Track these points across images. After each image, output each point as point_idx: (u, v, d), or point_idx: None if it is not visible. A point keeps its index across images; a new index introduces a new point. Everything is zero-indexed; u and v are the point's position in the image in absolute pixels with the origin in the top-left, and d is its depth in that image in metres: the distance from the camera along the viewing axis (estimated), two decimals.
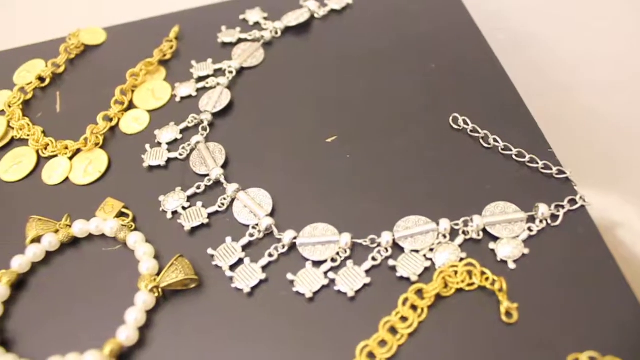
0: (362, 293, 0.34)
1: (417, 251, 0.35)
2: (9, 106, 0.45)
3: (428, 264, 0.34)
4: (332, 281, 0.34)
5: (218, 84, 0.43)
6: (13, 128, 0.44)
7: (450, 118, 0.40)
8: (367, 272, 0.34)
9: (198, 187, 0.38)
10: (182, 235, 0.37)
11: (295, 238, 0.35)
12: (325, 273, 0.34)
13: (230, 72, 0.43)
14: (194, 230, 0.37)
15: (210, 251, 0.36)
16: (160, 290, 0.34)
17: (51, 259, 0.38)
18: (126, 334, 0.33)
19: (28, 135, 0.43)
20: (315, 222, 0.36)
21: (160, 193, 0.39)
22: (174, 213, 0.38)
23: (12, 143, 0.44)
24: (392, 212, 0.37)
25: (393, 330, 0.32)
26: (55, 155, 0.42)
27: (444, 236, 0.35)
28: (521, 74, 0.46)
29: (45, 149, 0.42)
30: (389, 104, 0.41)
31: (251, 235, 0.36)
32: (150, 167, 0.40)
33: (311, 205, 0.37)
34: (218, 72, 0.44)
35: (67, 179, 0.41)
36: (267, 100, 0.42)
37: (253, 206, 0.37)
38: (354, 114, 0.41)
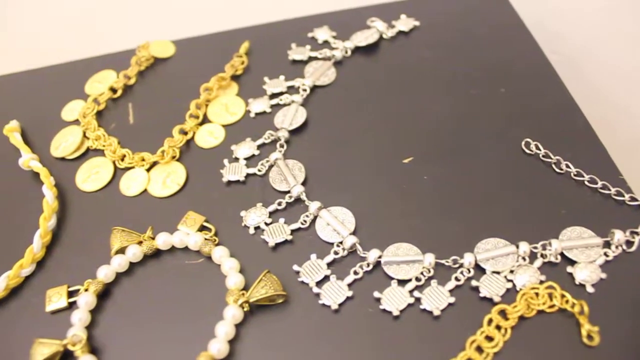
0: (446, 312, 0.35)
1: (497, 272, 0.36)
2: (84, 116, 0.46)
3: (509, 285, 0.35)
4: (418, 300, 0.35)
5: (293, 101, 0.44)
6: (88, 138, 0.45)
7: (523, 143, 0.41)
8: (450, 291, 0.35)
9: (279, 204, 0.39)
10: (263, 250, 0.38)
11: (380, 257, 0.36)
12: (411, 292, 0.35)
13: (304, 90, 0.44)
14: (276, 246, 0.38)
15: (295, 267, 0.37)
16: (248, 305, 0.35)
17: (134, 270, 0.39)
18: (217, 347, 0.34)
19: (104, 146, 0.44)
20: (395, 242, 0.37)
21: (239, 208, 0.40)
22: (257, 228, 0.39)
23: (87, 153, 0.45)
24: (470, 234, 0.38)
25: (479, 349, 0.34)
26: (132, 167, 0.43)
27: (524, 259, 0.36)
28: (582, 97, 0.47)
29: (122, 160, 0.43)
30: (460, 126, 0.43)
31: (336, 252, 0.37)
32: (229, 182, 0.41)
33: (391, 224, 0.38)
34: (291, 89, 0.46)
35: (145, 190, 0.42)
36: (340, 119, 0.44)
37: (336, 224, 0.38)
38: (427, 135, 0.42)
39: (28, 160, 0.44)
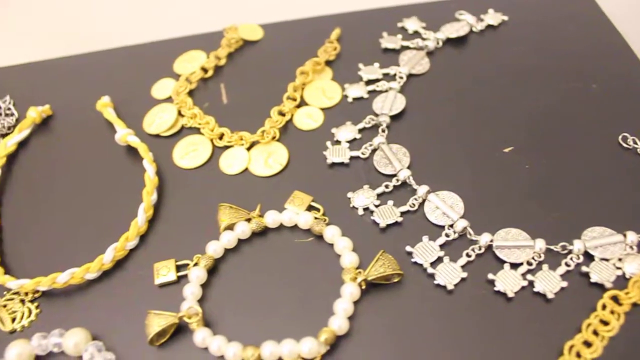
0: (557, 296, 0.36)
1: (606, 260, 0.37)
2: (177, 94, 0.46)
3: (619, 272, 0.36)
4: (530, 283, 0.36)
5: (390, 88, 0.44)
6: (183, 116, 0.45)
7: (620, 137, 0.42)
8: (561, 276, 0.36)
9: (386, 187, 0.40)
10: (372, 231, 0.39)
11: (491, 240, 0.37)
12: (523, 275, 0.36)
13: (401, 78, 0.45)
14: (385, 227, 0.38)
15: (408, 248, 0.37)
16: (365, 283, 0.36)
17: (240, 247, 0.39)
18: (338, 323, 0.34)
19: (199, 124, 0.44)
20: (500, 227, 0.38)
21: (343, 189, 0.41)
22: (365, 210, 0.39)
23: (182, 131, 0.46)
24: (573, 222, 0.39)
25: (595, 333, 0.34)
26: (231, 146, 0.43)
27: (631, 247, 0.37)
28: None
29: (220, 138, 0.43)
30: (554, 119, 0.44)
31: (447, 235, 0.37)
32: (332, 164, 0.42)
33: (495, 209, 0.39)
34: (385, 77, 0.46)
35: (246, 169, 0.42)
36: (437, 107, 0.44)
37: (445, 208, 0.38)
38: (523, 126, 0.43)
39: (126, 135, 0.44)
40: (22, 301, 0.39)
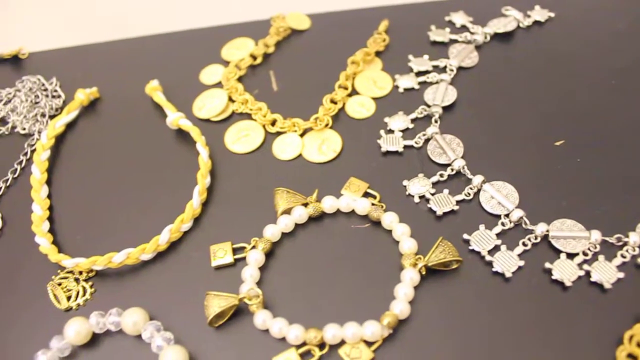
0: (615, 286, 0.36)
1: None
2: (227, 80, 0.46)
3: None
4: (587, 273, 0.36)
5: (441, 80, 0.45)
6: (233, 102, 0.45)
7: None
8: (617, 267, 0.36)
9: (441, 175, 0.40)
10: (427, 218, 0.39)
11: (547, 230, 0.37)
12: (579, 265, 0.36)
13: (452, 70, 0.45)
14: (442, 215, 0.38)
15: (465, 236, 0.37)
16: (425, 268, 0.36)
17: (297, 231, 0.39)
18: (400, 308, 0.34)
19: (251, 110, 0.44)
20: (553, 218, 0.38)
21: (397, 178, 0.41)
22: (421, 197, 0.39)
23: (232, 116, 0.46)
24: (625, 215, 0.39)
25: None
26: (283, 132, 0.43)
27: None
28: None
29: (272, 124, 0.44)
30: (604, 114, 0.44)
31: (503, 224, 0.38)
32: (386, 153, 0.42)
33: (548, 200, 0.39)
34: (435, 69, 0.47)
35: (300, 155, 0.42)
36: (488, 100, 0.45)
37: (500, 198, 0.38)
38: (573, 121, 0.43)
39: (177, 118, 0.43)
40: (77, 280, 0.39)
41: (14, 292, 0.39)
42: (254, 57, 0.48)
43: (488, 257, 0.36)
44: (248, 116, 0.45)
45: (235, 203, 0.41)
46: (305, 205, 0.39)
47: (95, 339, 0.37)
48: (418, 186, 0.40)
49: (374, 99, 0.45)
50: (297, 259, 0.38)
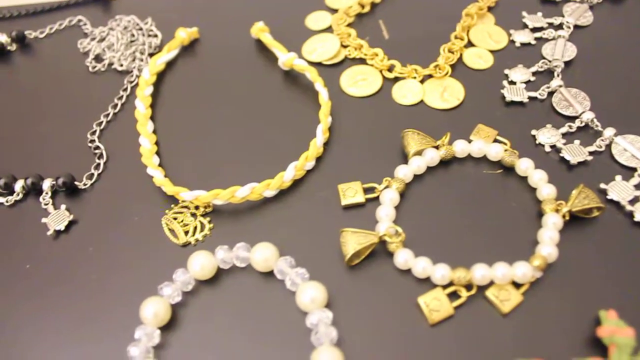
0: None
1: None
2: (338, 25, 0.44)
3: None
4: None
5: (559, 36, 0.43)
6: (345, 47, 0.44)
7: None
8: None
9: (570, 127, 0.39)
10: (558, 167, 0.38)
11: None
12: None
13: (568, 27, 0.44)
14: (576, 165, 0.37)
15: (602, 186, 0.36)
16: (568, 214, 0.34)
17: (426, 174, 0.38)
18: (548, 251, 0.33)
19: (366, 55, 0.43)
20: None
21: (522, 127, 0.40)
22: (552, 147, 0.38)
23: (344, 61, 0.44)
24: None
25: None
26: (402, 78, 0.42)
27: None
28: None
29: (389, 70, 0.42)
30: None
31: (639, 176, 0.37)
32: (510, 103, 0.41)
33: None
34: (549, 26, 0.45)
35: (421, 101, 0.41)
36: (606, 57, 0.44)
37: (634, 150, 0.38)
38: None
39: (292, 58, 0.42)
40: (193, 215, 0.37)
41: (125, 225, 0.37)
42: (362, 6, 0.47)
43: (629, 207, 0.36)
44: (361, 61, 0.44)
45: (356, 144, 0.40)
46: (436, 147, 0.38)
47: (217, 275, 0.35)
48: (547, 135, 0.39)
49: (490, 51, 0.44)
50: (430, 201, 0.37)
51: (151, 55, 0.46)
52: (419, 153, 0.38)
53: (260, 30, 0.45)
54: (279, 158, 0.39)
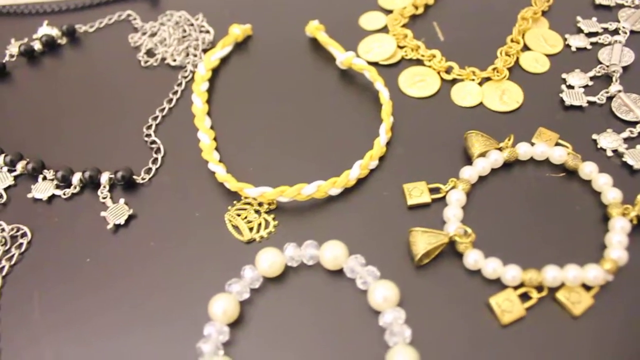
0: None
1: None
2: (393, 26, 0.44)
3: None
4: None
5: (615, 41, 0.44)
6: (401, 47, 0.44)
7: None
8: None
9: (631, 132, 0.39)
10: (621, 172, 0.38)
11: None
12: None
13: (625, 33, 0.45)
14: (635, 170, 0.38)
15: None
16: (636, 218, 0.35)
17: (489, 176, 0.38)
18: (618, 254, 0.33)
19: (423, 56, 0.43)
20: None
21: (580, 132, 0.40)
22: (614, 151, 0.38)
23: (401, 62, 0.44)
24: None
25: None
26: (460, 80, 0.42)
27: None
28: None
29: (447, 72, 0.42)
30: None
31: None
32: (569, 107, 0.41)
33: None
34: (605, 31, 0.46)
35: (480, 103, 0.41)
36: None
37: None
38: None
39: (350, 57, 0.42)
40: (257, 212, 0.37)
41: (186, 221, 0.37)
42: (416, 7, 0.47)
43: None
44: (417, 62, 0.44)
45: (416, 144, 0.40)
46: (499, 149, 0.38)
47: (284, 272, 0.35)
48: (609, 140, 0.39)
49: (546, 55, 0.44)
50: (495, 202, 0.37)
51: (204, 51, 0.46)
52: (482, 154, 0.38)
53: (316, 29, 0.45)
54: (335, 156, 0.39)
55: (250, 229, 0.37)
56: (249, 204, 0.38)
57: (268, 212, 0.37)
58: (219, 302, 0.33)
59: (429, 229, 0.34)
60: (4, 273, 0.37)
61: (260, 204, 0.37)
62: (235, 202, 0.38)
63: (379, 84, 0.41)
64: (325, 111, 0.42)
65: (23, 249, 0.37)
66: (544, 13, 0.48)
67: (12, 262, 0.37)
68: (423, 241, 0.34)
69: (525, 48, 0.45)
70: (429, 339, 0.32)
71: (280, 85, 0.44)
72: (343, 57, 0.43)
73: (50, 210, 0.39)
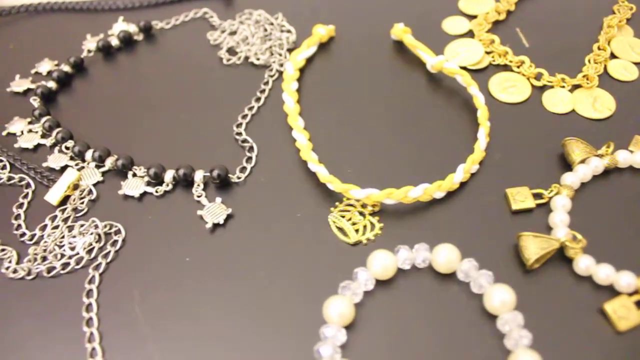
0: None
1: None
2: (479, 32, 0.45)
3: None
4: None
5: None
6: (488, 53, 0.45)
7: None
8: None
9: None
10: None
11: None
12: None
13: None
14: None
15: None
16: None
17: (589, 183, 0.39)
18: None
19: (511, 62, 0.44)
20: None
21: None
22: None
23: (488, 67, 0.45)
24: None
25: None
26: (550, 86, 0.43)
27: None
28: None
29: (536, 78, 0.43)
30: None
31: None
32: None
33: None
34: None
35: (572, 110, 0.42)
36: None
37: None
38: None
39: (442, 61, 0.43)
40: (362, 214, 0.37)
41: (287, 221, 0.37)
42: (498, 13, 0.48)
43: None
44: (504, 67, 0.45)
45: (513, 150, 0.40)
46: (600, 156, 0.39)
47: (395, 275, 0.35)
48: None
49: (634, 63, 0.45)
50: (599, 209, 0.37)
51: (289, 50, 0.47)
52: (582, 161, 0.39)
53: (403, 32, 0.45)
54: (429, 160, 0.40)
55: (356, 231, 0.37)
56: (351, 205, 0.38)
57: (372, 214, 0.38)
58: (335, 305, 0.33)
59: (539, 234, 0.35)
60: (100, 270, 0.37)
61: (363, 206, 0.38)
62: (337, 203, 0.38)
63: (474, 89, 0.42)
64: (415, 115, 0.43)
65: (118, 246, 0.38)
66: (627, 21, 0.49)
67: (108, 259, 0.37)
68: (535, 246, 0.35)
69: (612, 56, 0.46)
70: (545, 343, 0.33)
71: (367, 87, 0.45)
72: (434, 61, 0.43)
73: (142, 207, 0.39)
